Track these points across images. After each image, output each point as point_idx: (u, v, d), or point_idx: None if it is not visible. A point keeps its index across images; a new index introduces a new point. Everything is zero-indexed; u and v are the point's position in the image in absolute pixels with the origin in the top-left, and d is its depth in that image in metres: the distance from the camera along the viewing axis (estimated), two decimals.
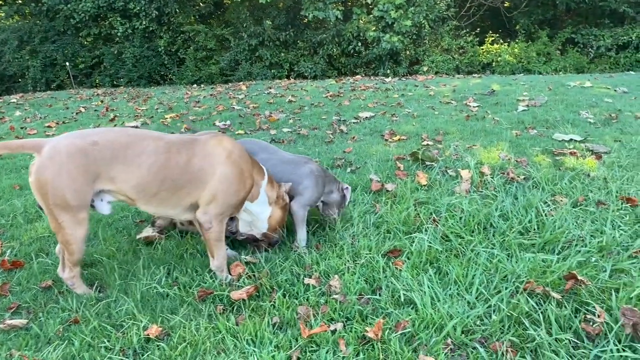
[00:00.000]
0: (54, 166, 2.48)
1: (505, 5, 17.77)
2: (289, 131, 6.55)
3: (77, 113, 8.98)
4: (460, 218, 3.48)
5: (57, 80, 18.23)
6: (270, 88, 10.97)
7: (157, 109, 8.85)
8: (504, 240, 3.18)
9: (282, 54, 17.51)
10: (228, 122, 7.16)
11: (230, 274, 2.89)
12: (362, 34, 16.52)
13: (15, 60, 18.29)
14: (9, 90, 19.11)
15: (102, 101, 10.47)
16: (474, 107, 7.52)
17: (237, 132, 6.64)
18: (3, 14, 18.88)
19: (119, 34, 17.46)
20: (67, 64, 17.03)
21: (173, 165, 2.67)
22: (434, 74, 14.86)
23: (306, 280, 2.77)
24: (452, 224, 3.39)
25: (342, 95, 9.23)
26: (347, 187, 3.48)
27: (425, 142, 5.60)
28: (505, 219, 3.46)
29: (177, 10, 17.50)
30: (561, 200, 3.70)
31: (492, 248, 3.07)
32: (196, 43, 17.89)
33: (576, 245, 3.06)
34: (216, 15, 19.20)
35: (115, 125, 7.28)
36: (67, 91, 13.68)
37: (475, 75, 13.48)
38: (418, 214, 3.58)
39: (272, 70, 17.39)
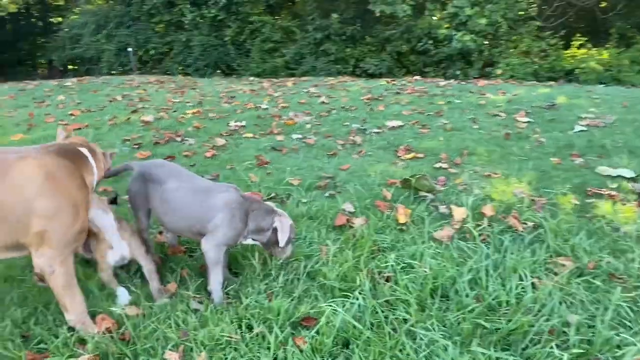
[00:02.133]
0: None
1: (601, 5, 15.94)
2: (297, 138, 5.91)
3: (110, 101, 8.85)
4: (417, 278, 2.70)
5: (130, 64, 18.67)
6: (315, 86, 10.35)
7: (187, 102, 8.52)
8: (459, 320, 2.38)
9: (348, 49, 16.80)
10: (242, 123, 6.64)
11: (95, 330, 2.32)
12: (434, 31, 15.45)
13: (93, 43, 18.95)
14: (88, 72, 19.88)
15: (144, 90, 10.34)
16: (522, 122, 6.49)
17: (244, 135, 6.10)
18: None
19: (187, 21, 17.54)
20: (130, 49, 17.33)
21: None
22: (509, 79, 13.54)
23: (167, 355, 2.15)
24: (404, 284, 2.63)
25: (381, 98, 8.43)
26: (282, 221, 2.68)
27: (439, 165, 4.77)
28: (473, 287, 2.64)
29: None
30: (563, 265, 2.81)
31: (436, 331, 2.29)
32: (263, 34, 17.60)
33: (552, 341, 2.21)
34: (286, 6, 18.82)
35: (128, 119, 7.00)
36: (122, 77, 13.82)
37: (551, 82, 12.06)
38: (368, 266, 2.84)
39: (337, 66, 16.74)
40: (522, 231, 3.24)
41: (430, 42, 15.59)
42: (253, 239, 2.74)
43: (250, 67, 17.66)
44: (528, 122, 6.51)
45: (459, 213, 3.49)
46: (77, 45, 19.94)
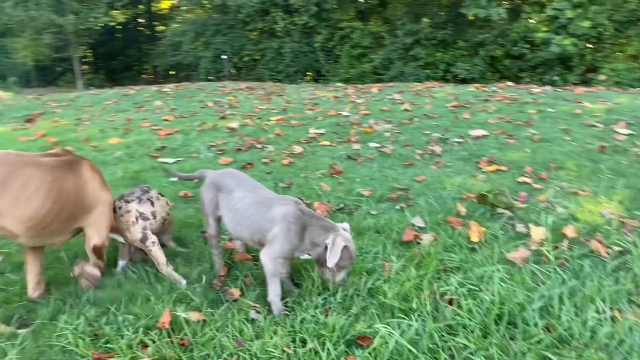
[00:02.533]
0: None
1: None
2: (374, 147, 5.84)
3: (202, 107, 9.26)
4: (483, 302, 2.56)
5: (224, 71, 19.52)
6: (401, 92, 10.21)
7: (272, 109, 8.72)
8: (524, 351, 2.22)
9: (439, 54, 16.47)
10: (322, 131, 6.68)
11: None
12: (531, 35, 14.73)
13: (192, 50, 20.01)
14: (187, 78, 21.03)
15: (235, 97, 10.73)
16: (622, 134, 5.99)
17: (321, 143, 6.14)
18: (185, 8, 20.73)
19: (279, 28, 18.03)
20: (225, 56, 18.05)
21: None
22: (614, 86, 12.58)
23: None
24: (468, 308, 2.51)
25: (468, 106, 8.13)
26: (335, 241, 2.56)
27: (522, 179, 4.51)
28: (544, 316, 2.46)
29: (336, 6, 17.45)
30: None
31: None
32: (352, 40, 17.69)
33: None
34: (376, 12, 18.78)
35: (215, 125, 7.28)
36: (216, 84, 14.44)
37: None
38: (431, 286, 2.73)
39: (426, 71, 16.48)
40: (605, 256, 2.98)
41: (527, 46, 14.89)
42: (309, 254, 2.72)
43: (338, 72, 17.83)
44: (629, 134, 6.00)
45: (538, 233, 3.27)
46: (177, 52, 21.17)
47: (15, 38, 21.70)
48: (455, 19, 16.39)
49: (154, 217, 3.02)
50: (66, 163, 2.62)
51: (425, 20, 16.07)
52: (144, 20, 29.52)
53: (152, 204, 3.05)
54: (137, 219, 2.94)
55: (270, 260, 2.63)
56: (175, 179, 3.80)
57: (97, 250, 2.82)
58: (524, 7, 14.99)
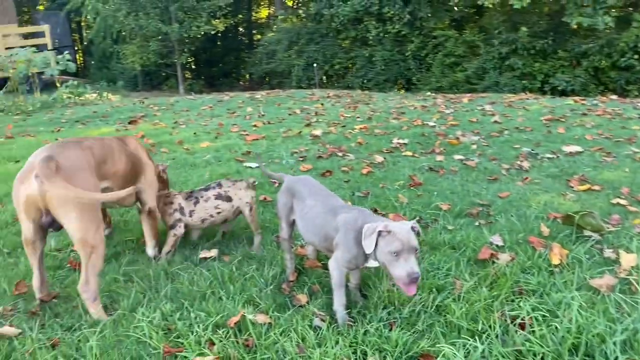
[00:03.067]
0: (78, 175, 2.71)
1: None
2: (459, 159, 5.69)
3: (289, 115, 9.50)
4: (559, 330, 2.41)
5: (315, 79, 19.86)
6: (492, 103, 9.87)
7: (357, 117, 8.76)
8: None
9: (537, 64, 15.72)
10: (405, 141, 6.62)
11: None
12: None
13: (285, 58, 20.55)
14: (280, 85, 21.62)
15: (322, 104, 10.89)
16: None
17: (404, 153, 6.07)
18: (281, 17, 21.34)
19: (371, 37, 18.06)
20: (316, 65, 18.34)
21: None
22: None
23: None
24: (541, 334, 2.38)
25: (563, 120, 7.70)
26: (368, 225, 2.47)
27: (617, 201, 4.21)
28: (627, 350, 2.27)
29: (430, 14, 17.21)
30: None
31: None
32: (445, 49, 17.35)
33: None
34: (471, 20, 18.28)
35: (300, 132, 7.43)
36: (305, 91, 14.71)
37: None
38: (503, 309, 2.62)
39: (523, 82, 15.79)
40: None
41: (636, 57, 13.83)
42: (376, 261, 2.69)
43: (429, 81, 17.54)
44: None
45: (628, 260, 3.04)
46: (271, 60, 21.83)
47: (125, 45, 23.46)
48: (557, 28, 15.58)
49: (190, 215, 3.45)
50: (120, 138, 3.33)
51: (523, 29, 15.39)
52: (242, 29, 30.78)
53: (197, 202, 3.46)
54: (178, 210, 3.44)
55: (336, 269, 2.65)
56: (261, 167, 3.82)
57: (152, 214, 3.39)
58: (635, 15, 13.94)
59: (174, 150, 6.56)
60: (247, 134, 7.44)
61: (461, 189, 4.66)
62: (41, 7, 33.76)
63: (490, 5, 15.38)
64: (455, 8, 17.62)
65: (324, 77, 19.87)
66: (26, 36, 22.06)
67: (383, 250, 2.40)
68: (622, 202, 4.17)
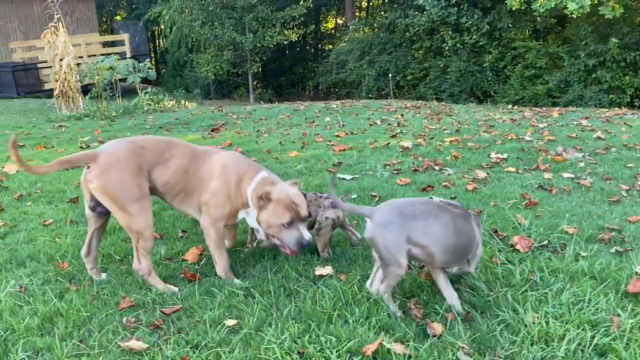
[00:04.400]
0: (115, 167, 2.91)
1: None
2: (569, 177, 5.29)
3: (370, 125, 9.30)
4: None
5: (387, 89, 19.62)
6: (586, 118, 9.29)
7: (444, 129, 8.45)
8: None
9: (627, 78, 14.81)
10: (504, 156, 6.25)
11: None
12: None
13: (356, 68, 20.43)
14: (349, 95, 21.54)
15: (402, 115, 10.63)
16: None
17: (506, 169, 5.72)
18: (353, 27, 21.26)
19: (447, 47, 17.63)
20: (390, 75, 18.08)
21: (191, 171, 3.15)
22: None
23: None
24: None
25: None
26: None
27: None
28: None
29: (510, 25, 16.61)
30: None
31: None
32: (526, 60, 16.68)
33: None
34: (554, 31, 17.51)
35: (388, 144, 7.20)
36: (381, 101, 14.48)
37: None
38: None
39: (610, 96, 14.93)
40: None
41: None
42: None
43: (507, 94, 16.92)
44: None
45: None
46: (342, 70, 21.79)
47: (200, 54, 24.10)
48: None
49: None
50: (208, 151, 3.31)
51: (614, 40, 14.55)
52: (310, 40, 31.03)
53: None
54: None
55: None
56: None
57: (205, 232, 3.21)
58: None
59: (263, 160, 6.49)
60: (333, 144, 7.28)
61: (582, 211, 4.28)
62: (119, 17, 35.40)
63: (577, 16, 14.64)
64: (539, 18, 16.89)
65: (395, 88, 19.56)
66: (105, 45, 23.08)
67: None
68: None
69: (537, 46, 16.46)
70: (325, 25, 30.48)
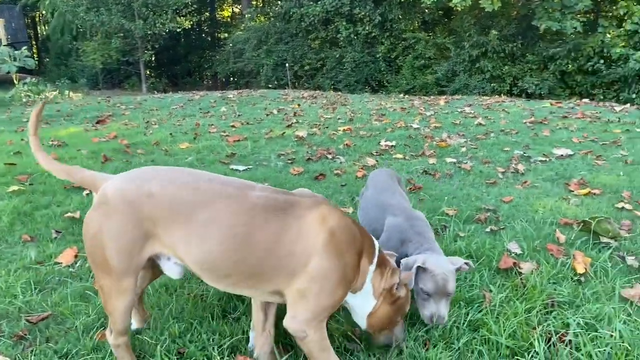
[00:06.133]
0: (99, 217, 1.96)
1: None
2: (451, 162, 5.57)
3: (267, 115, 9.22)
4: (608, 345, 2.26)
5: (285, 79, 19.58)
6: (469, 105, 9.86)
7: (339, 118, 8.57)
8: None
9: (506, 67, 15.92)
10: (393, 143, 6.46)
11: None
12: (607, 50, 14.01)
13: (253, 58, 20.18)
14: (247, 85, 21.25)
15: (298, 105, 10.66)
16: None
17: (394, 156, 5.91)
18: (249, 16, 20.96)
19: (342, 38, 17.92)
20: (287, 65, 18.09)
21: (255, 242, 1.93)
22: None
23: None
24: (587, 351, 2.22)
25: (546, 122, 7.71)
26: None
27: (621, 205, 4.14)
28: None
29: (401, 16, 17.19)
30: None
31: None
32: (416, 51, 17.37)
33: None
34: (441, 23, 18.38)
35: (283, 134, 7.18)
36: (279, 91, 14.45)
37: None
38: (543, 324, 2.45)
39: (492, 84, 15.96)
40: None
41: (602, 61, 14.17)
42: None
43: (400, 83, 17.54)
44: None
45: None
46: (239, 59, 21.43)
47: (86, 42, 22.58)
48: (525, 31, 15.80)
49: None
50: (281, 205, 1.99)
51: (493, 32, 15.55)
52: (206, 28, 30.18)
53: None
54: None
55: None
56: None
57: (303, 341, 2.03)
58: (601, 21, 14.28)
59: (151, 152, 6.20)
60: (227, 135, 7.13)
61: (462, 194, 4.52)
62: None
63: (461, 8, 15.49)
64: (426, 10, 17.63)
65: (294, 78, 19.58)
66: None
67: (416, 284, 2.35)
68: (627, 206, 4.10)
69: (426, 37, 17.21)
70: (221, 13, 29.77)
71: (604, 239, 3.38)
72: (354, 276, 2.06)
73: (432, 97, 13.02)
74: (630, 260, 3.11)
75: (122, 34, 21.03)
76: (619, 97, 13.84)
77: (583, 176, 4.98)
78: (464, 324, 2.50)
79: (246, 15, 21.02)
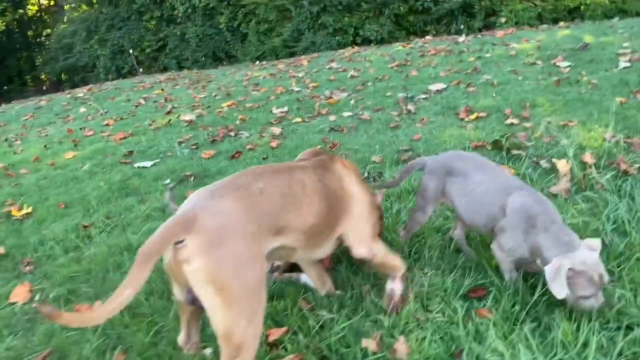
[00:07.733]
0: (232, 238, 1.78)
1: None
2: (349, 115, 5.89)
3: (136, 106, 8.77)
4: None
5: (126, 67, 18.45)
6: (332, 61, 10.26)
7: (215, 95, 8.45)
8: (622, 266, 2.41)
9: (346, 19, 16.58)
10: (285, 109, 6.60)
11: None
12: None
13: (86, 50, 18.69)
14: (84, 80, 19.64)
15: (162, 90, 10.25)
16: (564, 67, 6.47)
17: (294, 121, 6.07)
18: (69, 7, 19.24)
19: (179, 14, 17.28)
20: (131, 51, 17.10)
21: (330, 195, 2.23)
22: (513, 26, 13.39)
23: (363, 343, 2.18)
24: None
25: (409, 63, 8.37)
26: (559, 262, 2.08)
27: (509, 121, 4.76)
28: (623, 235, 2.66)
29: None
30: None
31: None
32: (257, 16, 17.35)
33: None
34: None
35: (169, 121, 6.94)
36: (131, 80, 13.67)
37: (562, 24, 11.98)
38: None
39: (337, 37, 16.55)
40: (635, 174, 3.26)
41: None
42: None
43: (248, 51, 17.48)
44: (569, 66, 6.49)
45: (562, 166, 3.49)
46: (69, 55, 19.68)
47: None
48: None
49: None
50: (319, 164, 2.31)
51: None
52: (16, 28, 27.03)
53: None
54: None
55: (501, 257, 2.42)
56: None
57: (370, 262, 2.41)
58: None
59: (37, 170, 5.67)
60: (109, 134, 6.72)
61: (374, 141, 4.84)
62: None
63: None
64: None
65: (132, 65, 18.53)
66: None
67: (572, 290, 2.10)
68: (514, 121, 4.73)
69: (265, 1, 17.23)
70: (32, 8, 26.74)
71: (514, 152, 3.91)
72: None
73: (293, 59, 13.25)
74: (543, 163, 3.66)
75: None
76: (450, 30, 15.22)
77: (465, 104, 5.58)
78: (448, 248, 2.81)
79: (66, 7, 19.23)
